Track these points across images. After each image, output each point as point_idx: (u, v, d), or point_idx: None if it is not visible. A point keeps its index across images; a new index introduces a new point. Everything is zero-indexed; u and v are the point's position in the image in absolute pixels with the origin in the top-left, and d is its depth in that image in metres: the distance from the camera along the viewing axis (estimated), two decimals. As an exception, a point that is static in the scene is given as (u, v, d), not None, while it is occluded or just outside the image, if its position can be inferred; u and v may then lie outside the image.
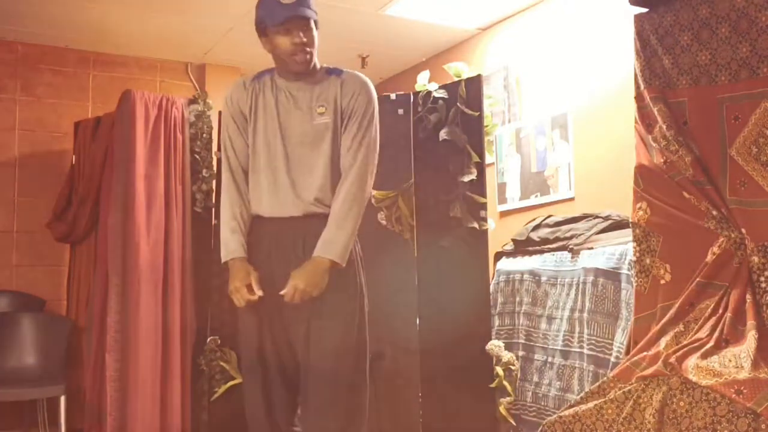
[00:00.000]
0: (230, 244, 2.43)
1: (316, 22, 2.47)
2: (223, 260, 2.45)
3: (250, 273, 2.37)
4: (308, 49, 2.43)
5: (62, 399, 3.98)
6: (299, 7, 2.39)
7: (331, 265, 2.33)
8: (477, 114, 3.68)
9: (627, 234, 3.03)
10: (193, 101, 4.19)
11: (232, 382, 3.73)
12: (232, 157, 2.52)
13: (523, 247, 3.78)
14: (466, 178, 3.64)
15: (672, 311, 2.53)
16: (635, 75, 2.77)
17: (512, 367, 3.49)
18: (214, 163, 4.03)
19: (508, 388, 3.48)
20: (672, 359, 2.29)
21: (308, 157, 2.43)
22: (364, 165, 2.42)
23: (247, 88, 2.53)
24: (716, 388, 2.11)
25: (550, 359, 3.44)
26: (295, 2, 2.38)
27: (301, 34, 2.40)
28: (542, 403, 3.45)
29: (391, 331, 3.74)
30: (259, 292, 2.35)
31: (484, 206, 3.65)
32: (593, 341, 3.17)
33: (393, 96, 3.87)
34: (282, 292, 2.31)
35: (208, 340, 3.89)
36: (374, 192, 3.73)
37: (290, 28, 2.40)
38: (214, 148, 4.03)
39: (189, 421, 3.87)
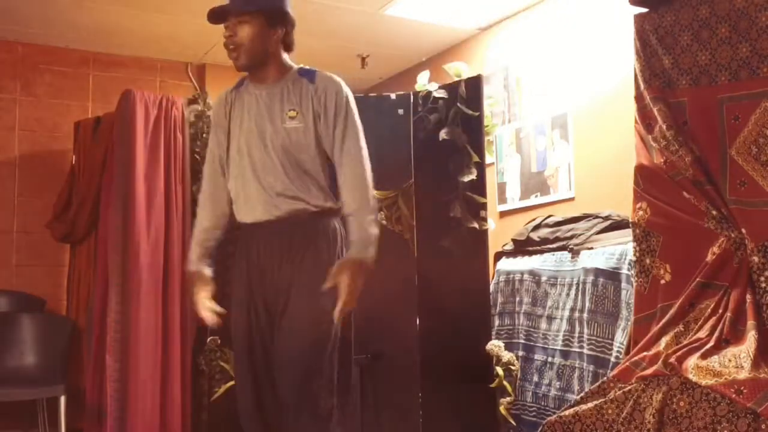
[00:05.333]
0: (191, 255, 2.51)
1: (269, 15, 2.39)
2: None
3: (203, 289, 2.41)
4: (234, 45, 2.37)
5: (62, 399, 3.98)
6: (230, 3, 2.37)
7: (368, 266, 2.29)
8: (477, 114, 3.68)
9: (627, 234, 3.03)
10: (193, 101, 4.19)
11: (232, 382, 3.72)
12: (211, 163, 2.55)
13: (523, 247, 3.78)
14: (466, 178, 3.64)
15: (672, 311, 2.53)
16: (635, 75, 2.77)
17: (512, 367, 3.49)
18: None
19: (508, 388, 3.48)
20: (672, 359, 2.29)
21: (284, 160, 2.39)
22: (358, 157, 2.39)
23: (227, 99, 2.53)
24: (716, 388, 2.11)
25: (550, 359, 3.44)
26: None
27: (228, 30, 2.38)
28: (542, 403, 3.45)
29: (391, 331, 3.74)
30: (218, 309, 2.38)
31: (484, 206, 3.65)
32: (593, 341, 3.17)
33: (393, 96, 3.87)
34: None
35: (208, 340, 3.89)
36: (374, 192, 3.73)
37: (227, 25, 2.39)
38: (214, 148, 4.03)
39: (189, 421, 3.87)
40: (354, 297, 2.26)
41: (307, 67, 2.51)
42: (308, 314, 2.33)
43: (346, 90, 2.46)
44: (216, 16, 2.41)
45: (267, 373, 2.41)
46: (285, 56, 2.50)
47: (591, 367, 3.16)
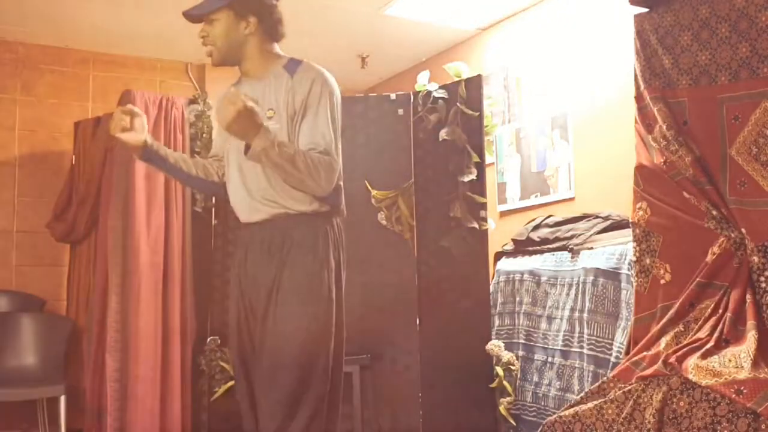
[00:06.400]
0: None
1: (236, 7, 2.33)
2: None
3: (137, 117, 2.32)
4: (208, 43, 2.38)
5: (62, 399, 3.98)
6: (198, 4, 2.37)
7: (255, 130, 2.12)
8: (477, 114, 3.68)
9: (627, 234, 3.03)
10: (193, 101, 4.19)
11: (232, 382, 3.73)
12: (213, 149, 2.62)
13: (523, 247, 3.78)
14: (466, 178, 3.64)
15: (672, 311, 2.53)
16: (635, 75, 2.77)
17: (512, 367, 3.49)
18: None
19: (508, 388, 3.48)
20: (672, 359, 2.29)
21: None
22: (321, 155, 2.26)
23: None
24: (716, 388, 2.11)
25: (550, 359, 3.44)
26: None
27: (203, 30, 2.39)
28: (542, 403, 3.45)
29: (391, 331, 3.74)
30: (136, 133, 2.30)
31: (484, 206, 3.65)
32: (593, 341, 3.17)
33: (393, 96, 3.87)
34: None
35: (208, 340, 3.89)
36: (374, 192, 3.73)
37: (203, 26, 2.41)
38: (215, 148, 4.04)
39: (189, 421, 3.87)
40: (224, 118, 2.11)
41: (297, 58, 2.41)
42: (288, 323, 2.26)
43: (326, 79, 2.34)
44: (191, 18, 2.40)
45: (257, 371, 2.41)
46: (271, 46, 2.42)
47: (591, 367, 3.16)
